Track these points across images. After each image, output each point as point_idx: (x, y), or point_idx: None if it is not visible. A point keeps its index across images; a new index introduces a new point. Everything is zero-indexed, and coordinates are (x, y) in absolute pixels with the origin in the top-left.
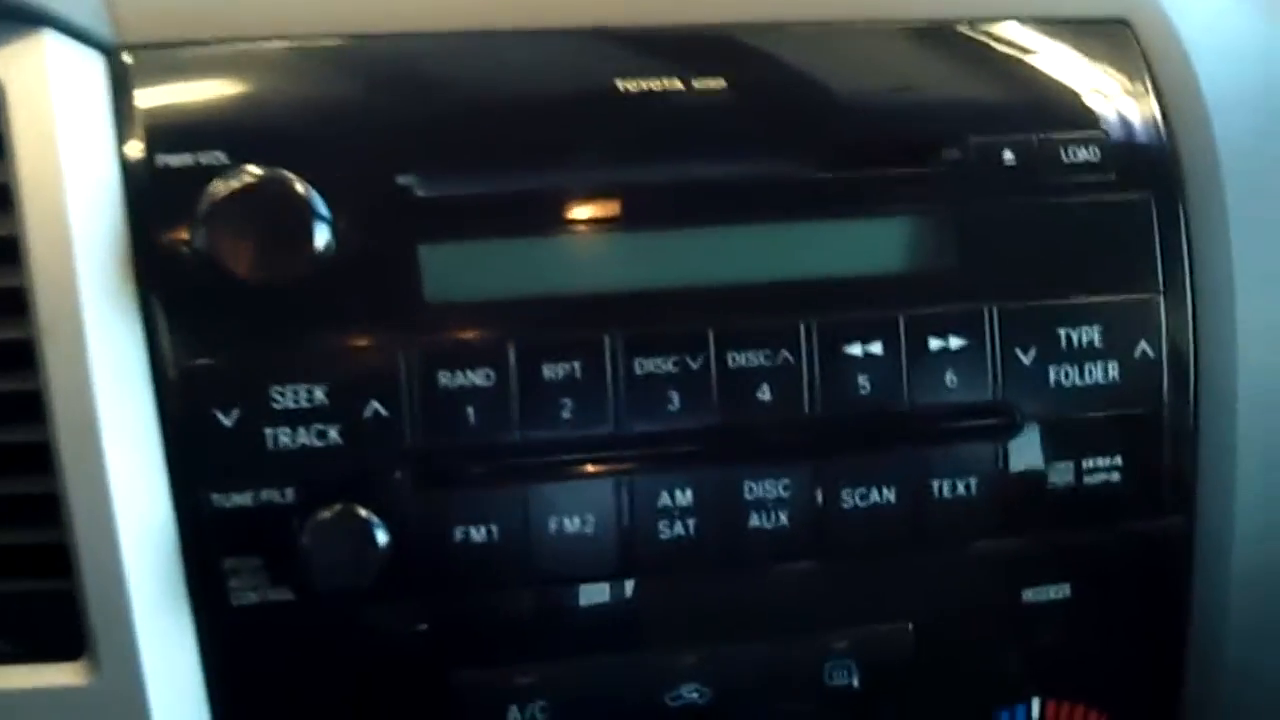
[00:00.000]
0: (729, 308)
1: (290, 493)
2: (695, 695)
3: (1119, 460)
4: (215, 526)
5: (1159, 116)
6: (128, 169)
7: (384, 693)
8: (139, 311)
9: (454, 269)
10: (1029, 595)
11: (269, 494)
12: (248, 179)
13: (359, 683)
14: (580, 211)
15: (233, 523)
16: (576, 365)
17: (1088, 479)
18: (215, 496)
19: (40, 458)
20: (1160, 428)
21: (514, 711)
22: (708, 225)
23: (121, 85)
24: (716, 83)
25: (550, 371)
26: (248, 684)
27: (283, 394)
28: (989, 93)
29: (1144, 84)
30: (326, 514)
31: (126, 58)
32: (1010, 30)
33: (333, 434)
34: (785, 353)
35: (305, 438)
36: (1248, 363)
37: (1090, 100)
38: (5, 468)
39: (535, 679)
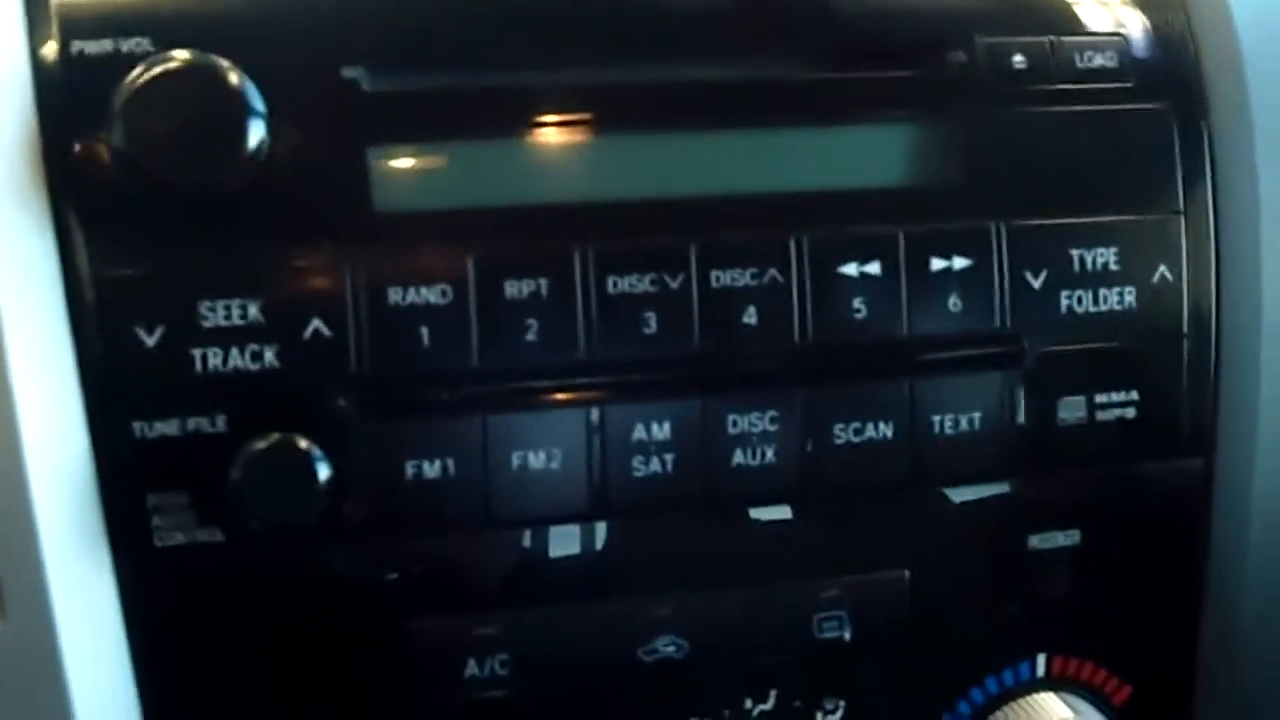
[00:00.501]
0: (713, 221)
1: (221, 421)
2: (671, 649)
3: (1134, 395)
4: (136, 459)
5: (1183, 23)
6: (38, 58)
7: (326, 645)
8: (51, 217)
9: (406, 174)
10: (1035, 542)
11: (197, 422)
12: (171, 65)
13: (297, 634)
14: (549, 112)
15: (156, 455)
16: (542, 283)
17: (1100, 415)
18: (136, 425)
19: None
20: (1179, 360)
21: (472, 666)
22: (690, 130)
23: None
24: None
25: (513, 289)
26: (173, 633)
27: (213, 310)
28: None
29: None
30: (261, 445)
31: None
32: None
33: (269, 356)
34: (774, 272)
35: (238, 359)
36: (1273, 290)
37: (1108, 2)
38: None
39: (496, 630)
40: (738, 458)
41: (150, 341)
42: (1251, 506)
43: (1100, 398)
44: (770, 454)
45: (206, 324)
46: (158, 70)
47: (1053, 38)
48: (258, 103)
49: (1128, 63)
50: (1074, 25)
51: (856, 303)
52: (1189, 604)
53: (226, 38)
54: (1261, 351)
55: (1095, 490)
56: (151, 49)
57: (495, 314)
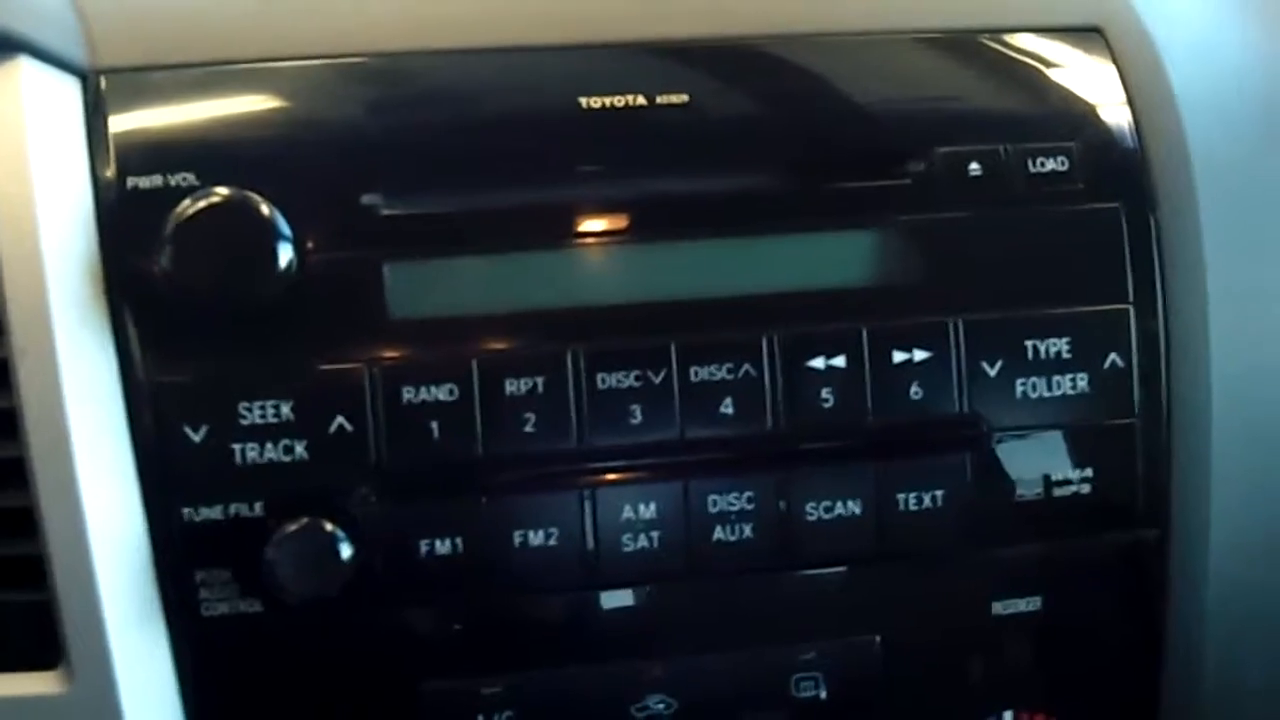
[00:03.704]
0: (691, 322)
1: (258, 506)
2: (662, 706)
3: (1089, 472)
4: (186, 539)
5: (1130, 125)
6: (100, 191)
7: (354, 702)
8: (110, 330)
9: (418, 286)
10: (998, 608)
11: (237, 508)
12: (212, 200)
13: (329, 692)
14: (542, 228)
15: (203, 536)
16: (539, 380)
17: (1057, 491)
18: (185, 510)
19: (16, 473)
20: (1132, 439)
21: None
22: (670, 240)
23: (96, 108)
24: (680, 97)
25: (512, 387)
26: (220, 693)
27: (250, 410)
28: (955, 104)
29: (1116, 93)
30: (292, 527)
31: (101, 82)
32: (978, 40)
33: (299, 449)
34: (748, 366)
35: (272, 453)
36: (1221, 373)
37: (1060, 110)
38: None
39: (502, 689)
40: (718, 534)
41: (197, 438)
42: (1208, 571)
43: (1057, 475)
44: (748, 530)
45: (245, 422)
46: (201, 204)
47: (1006, 145)
48: (286, 229)
49: (1078, 165)
50: (1026, 133)
51: (824, 393)
52: (1150, 664)
53: (260, 172)
54: (1212, 429)
55: (1055, 560)
56: (196, 183)
57: (497, 409)
